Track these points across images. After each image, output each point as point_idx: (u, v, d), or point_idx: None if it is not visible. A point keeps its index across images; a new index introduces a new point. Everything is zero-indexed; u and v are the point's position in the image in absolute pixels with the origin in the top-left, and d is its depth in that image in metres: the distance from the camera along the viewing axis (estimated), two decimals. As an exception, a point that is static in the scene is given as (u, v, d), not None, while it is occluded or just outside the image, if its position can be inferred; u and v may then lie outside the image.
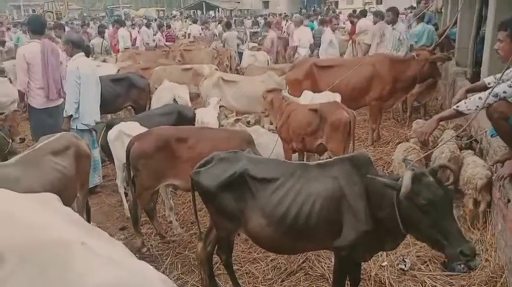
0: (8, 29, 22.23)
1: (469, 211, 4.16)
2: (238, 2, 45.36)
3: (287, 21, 21.50)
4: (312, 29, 13.41)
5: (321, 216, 2.85)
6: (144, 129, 4.50)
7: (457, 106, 3.38)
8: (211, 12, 42.47)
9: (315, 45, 11.46)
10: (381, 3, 40.37)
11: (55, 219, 1.81)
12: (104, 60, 10.75)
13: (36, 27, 5.57)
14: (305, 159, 5.44)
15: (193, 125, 5.34)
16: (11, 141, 5.01)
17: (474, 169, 4.08)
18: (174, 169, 3.83)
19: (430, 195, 2.43)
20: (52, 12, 43.32)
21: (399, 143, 6.34)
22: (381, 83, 6.44)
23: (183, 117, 5.22)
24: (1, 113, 6.48)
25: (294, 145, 5.01)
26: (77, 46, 5.28)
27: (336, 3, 41.38)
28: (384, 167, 5.64)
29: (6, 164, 3.24)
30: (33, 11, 49.19)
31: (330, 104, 4.90)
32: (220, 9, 42.47)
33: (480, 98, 3.31)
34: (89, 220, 4.20)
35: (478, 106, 3.31)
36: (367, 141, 6.75)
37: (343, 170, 2.85)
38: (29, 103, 5.57)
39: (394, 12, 7.83)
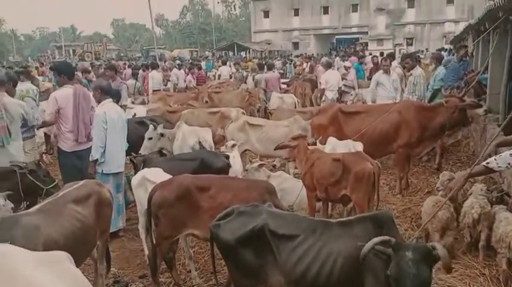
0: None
1: (502, 271, 3.91)
2: (269, 43, 46.38)
3: (307, 62, 21.62)
4: (358, 70, 13.43)
5: (341, 277, 2.75)
6: (167, 176, 4.53)
7: (487, 163, 3.24)
8: (243, 53, 43.57)
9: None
10: (412, 44, 40.59)
11: (58, 285, 1.80)
12: (143, 101, 11.08)
13: (68, 73, 5.79)
14: (329, 208, 5.32)
15: (225, 171, 5.27)
16: (47, 187, 4.85)
17: (507, 226, 3.86)
18: (194, 219, 3.80)
19: (395, 269, 2.43)
20: (91, 52, 45.54)
21: (429, 192, 6.16)
22: (408, 131, 6.32)
23: (207, 164, 5.17)
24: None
25: (318, 194, 4.92)
26: (105, 92, 5.43)
27: (366, 44, 41.75)
28: (412, 218, 5.42)
29: (28, 213, 3.28)
30: (74, 51, 51.80)
31: (353, 154, 4.82)
32: (251, 50, 43.50)
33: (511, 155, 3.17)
34: (108, 268, 4.18)
35: (509, 163, 3.17)
36: (395, 189, 6.56)
37: (365, 230, 2.76)
38: (58, 146, 5.71)
39: (413, 58, 8.13)
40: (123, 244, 5.28)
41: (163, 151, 6.57)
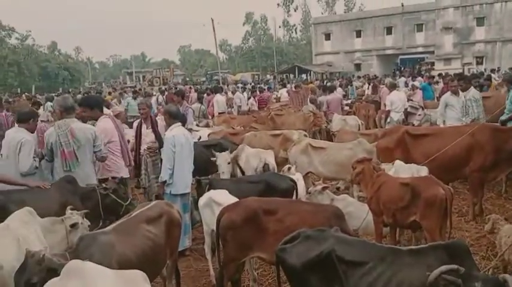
0: (124, 91, 24.82)
1: None
2: (330, 65, 46.22)
3: (369, 83, 21.13)
4: (424, 89, 13.11)
5: (412, 308, 2.63)
6: (232, 198, 4.62)
7: None
8: (304, 75, 43.73)
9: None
10: (482, 63, 38.69)
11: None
12: (207, 124, 11.44)
13: (99, 106, 5.97)
14: (397, 234, 5.13)
15: (290, 193, 5.26)
16: (126, 203, 4.93)
17: None
18: (261, 242, 3.82)
19: None
20: (159, 78, 47.84)
21: (505, 219, 5.75)
22: (482, 154, 5.98)
23: (272, 187, 5.21)
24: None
25: (385, 219, 4.77)
26: (174, 117, 5.67)
27: (432, 64, 40.35)
28: (488, 247, 5.09)
29: (105, 231, 3.48)
30: (143, 77, 54.68)
31: (423, 178, 4.64)
32: (312, 72, 43.57)
33: None
34: (178, 285, 4.30)
35: None
36: (468, 215, 6.21)
37: (438, 259, 2.64)
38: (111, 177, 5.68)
39: (466, 80, 8.18)
40: (189, 263, 5.40)
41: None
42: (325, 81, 26.82)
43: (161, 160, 6.05)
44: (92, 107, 5.84)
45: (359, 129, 10.38)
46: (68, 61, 67.81)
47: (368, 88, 20.82)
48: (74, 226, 3.95)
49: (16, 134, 5.15)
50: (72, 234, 3.94)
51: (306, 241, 3.04)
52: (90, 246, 3.24)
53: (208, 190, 5.26)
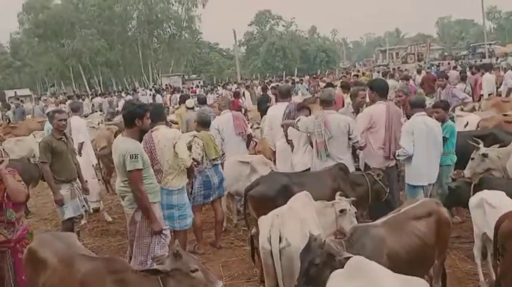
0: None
1: None
2: None
3: None
4: None
5: None
6: (510, 201, 4.11)
7: None
8: None
9: None
10: None
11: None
12: (473, 108, 10.34)
13: (380, 90, 5.80)
14: None
15: None
16: (388, 190, 5.22)
17: None
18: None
19: None
20: (413, 54, 45.63)
21: None
22: None
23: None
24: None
25: None
26: (416, 106, 5.48)
27: None
28: None
29: (376, 225, 3.63)
30: (397, 54, 53.16)
31: None
32: None
33: None
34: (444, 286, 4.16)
35: None
36: None
37: None
38: (365, 162, 5.82)
39: None
40: (454, 263, 5.09)
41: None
42: None
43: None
44: (372, 88, 5.89)
45: None
46: (325, 43, 71.83)
47: None
48: (342, 211, 4.28)
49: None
50: (340, 219, 4.28)
51: None
52: (362, 237, 3.44)
53: (477, 189, 4.80)
